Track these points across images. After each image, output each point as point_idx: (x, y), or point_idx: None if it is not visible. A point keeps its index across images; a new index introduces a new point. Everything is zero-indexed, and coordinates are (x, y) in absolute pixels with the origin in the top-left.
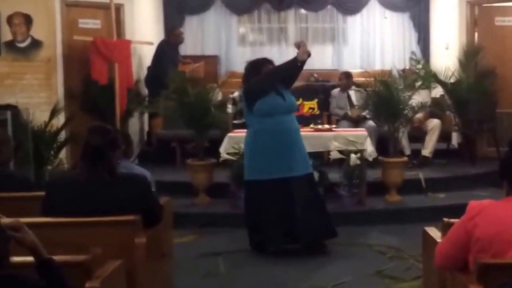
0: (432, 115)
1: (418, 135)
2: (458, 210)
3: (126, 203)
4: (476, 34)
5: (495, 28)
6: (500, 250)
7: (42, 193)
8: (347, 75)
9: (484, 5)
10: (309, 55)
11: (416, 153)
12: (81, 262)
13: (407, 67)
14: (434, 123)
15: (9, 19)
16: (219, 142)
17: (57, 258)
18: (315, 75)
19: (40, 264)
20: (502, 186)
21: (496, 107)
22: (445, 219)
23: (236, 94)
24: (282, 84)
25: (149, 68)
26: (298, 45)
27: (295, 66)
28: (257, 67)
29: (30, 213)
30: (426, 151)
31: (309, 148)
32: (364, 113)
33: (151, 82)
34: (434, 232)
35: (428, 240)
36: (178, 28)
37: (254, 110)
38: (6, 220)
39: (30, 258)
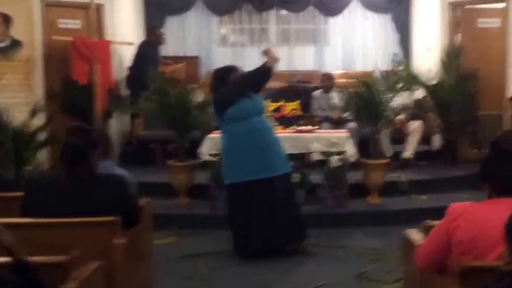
0: (413, 117)
1: (399, 137)
2: (439, 212)
3: (105, 204)
4: (458, 36)
5: (477, 29)
6: (481, 253)
7: (21, 194)
8: (329, 77)
9: (467, 6)
10: (277, 61)
11: (397, 155)
12: (59, 263)
13: (389, 69)
14: (415, 125)
15: None
16: (200, 143)
17: (35, 258)
18: (299, 76)
19: (17, 265)
20: (484, 189)
21: (478, 109)
22: (426, 221)
23: None
24: (250, 89)
25: (129, 69)
26: (266, 52)
27: (264, 72)
28: (224, 75)
29: (9, 214)
30: (408, 153)
31: (290, 150)
32: (345, 115)
33: (132, 82)
34: (415, 235)
35: (409, 243)
36: (159, 29)
37: (225, 117)
38: None
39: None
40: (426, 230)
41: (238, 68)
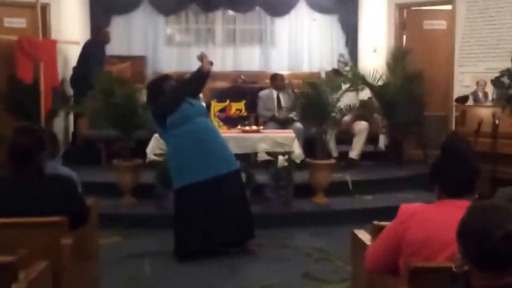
0: (359, 117)
1: (345, 137)
2: (384, 212)
3: (54, 204)
4: (404, 37)
5: (423, 31)
6: (431, 254)
7: None
8: (280, 77)
9: (413, 8)
10: (211, 64)
11: (343, 155)
12: (7, 263)
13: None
14: (361, 126)
15: None
16: (145, 143)
17: None
18: (242, 76)
19: None
20: (430, 189)
21: (424, 110)
22: (375, 222)
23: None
24: (188, 95)
25: (74, 68)
26: (200, 58)
27: (200, 77)
28: (159, 85)
29: None
30: (354, 153)
31: (236, 150)
32: (291, 115)
33: (77, 81)
34: (363, 235)
35: (357, 243)
36: (105, 28)
37: (167, 124)
38: None
39: None
40: (374, 230)
41: (170, 76)
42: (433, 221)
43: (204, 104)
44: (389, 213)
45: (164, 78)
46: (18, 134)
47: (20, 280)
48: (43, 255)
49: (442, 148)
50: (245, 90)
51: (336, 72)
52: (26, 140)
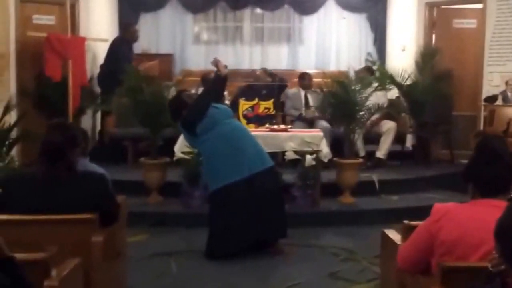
0: (387, 117)
1: (372, 137)
2: (411, 212)
3: (85, 201)
4: (433, 36)
5: (453, 30)
6: (464, 254)
7: None
8: (307, 76)
9: (443, 7)
10: (226, 67)
11: (370, 155)
12: (39, 260)
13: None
14: (389, 125)
15: None
16: (173, 141)
17: (15, 255)
18: (258, 72)
19: (1, 262)
20: (457, 189)
21: (452, 109)
22: (405, 221)
23: (193, 91)
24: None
25: (102, 66)
26: (215, 63)
27: (219, 82)
28: (179, 99)
29: None
30: (381, 153)
31: (264, 148)
32: (319, 114)
33: (104, 79)
34: (393, 235)
35: (388, 243)
36: (134, 26)
37: (197, 132)
38: None
39: None
40: (404, 230)
41: (185, 89)
42: (466, 221)
43: (227, 103)
44: (416, 213)
45: (180, 92)
46: (51, 130)
47: (52, 277)
48: (73, 252)
49: (477, 147)
50: (273, 89)
51: (368, 70)
52: (59, 137)
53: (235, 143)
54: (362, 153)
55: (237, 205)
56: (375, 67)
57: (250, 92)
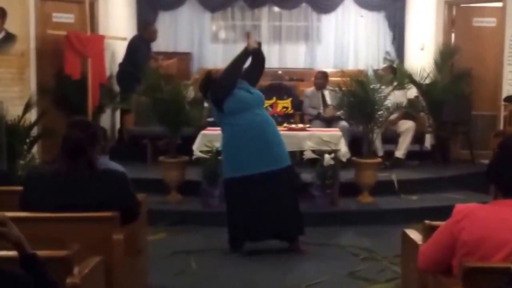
0: (405, 116)
1: (391, 136)
2: (430, 212)
3: (105, 198)
4: (453, 35)
5: (472, 29)
6: (486, 254)
7: (19, 187)
8: (324, 75)
9: (462, 5)
10: (259, 44)
11: (389, 154)
12: (62, 257)
13: (384, 65)
14: (408, 125)
15: None
16: (192, 139)
17: (38, 253)
18: (280, 72)
19: (24, 259)
20: (480, 189)
21: (471, 109)
22: (426, 221)
23: None
24: (247, 81)
25: (120, 65)
26: (247, 35)
27: (246, 55)
28: (208, 77)
29: (6, 207)
30: (399, 153)
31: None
32: (338, 113)
33: (123, 78)
34: (414, 235)
35: (409, 243)
36: (153, 25)
37: (224, 109)
38: None
39: (14, 253)
40: (425, 230)
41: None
42: (488, 221)
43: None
44: (436, 213)
45: (210, 71)
46: (71, 127)
47: (74, 274)
48: (95, 250)
49: (499, 147)
50: (291, 88)
51: (391, 68)
52: (80, 134)
53: (264, 136)
54: (380, 152)
55: (252, 198)
56: (393, 66)
57: (269, 91)
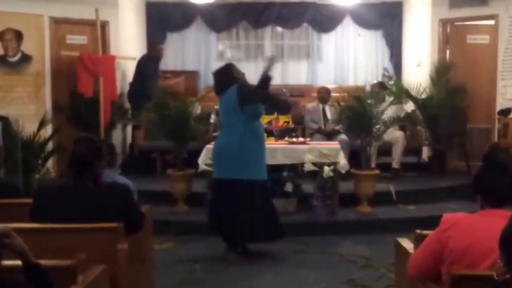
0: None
1: (384, 149)
2: (427, 222)
3: (110, 210)
4: (447, 52)
5: (466, 46)
6: (473, 262)
7: (30, 200)
8: (327, 90)
9: (456, 23)
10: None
11: (386, 166)
12: (66, 266)
13: (378, 80)
14: (396, 135)
15: (1, 35)
16: (197, 153)
17: (43, 262)
18: (284, 90)
19: (28, 268)
20: (471, 199)
21: (466, 122)
22: (417, 231)
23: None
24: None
25: (131, 84)
26: (271, 62)
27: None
28: (229, 73)
29: (18, 219)
30: (395, 163)
31: (284, 160)
32: (338, 127)
33: (133, 95)
34: (406, 243)
35: (401, 251)
36: (159, 44)
37: (242, 109)
38: None
39: (18, 262)
40: (417, 239)
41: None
42: (475, 230)
43: None
44: (432, 222)
45: (231, 65)
46: (77, 143)
47: (78, 282)
48: (100, 259)
49: (484, 159)
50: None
51: (381, 85)
52: (85, 150)
53: (262, 145)
54: (373, 164)
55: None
56: (391, 82)
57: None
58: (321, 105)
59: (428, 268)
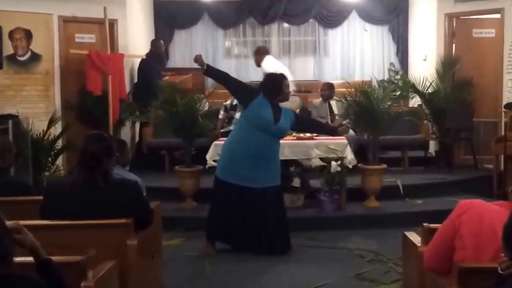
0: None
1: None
2: (434, 216)
3: (119, 206)
4: (453, 46)
5: (472, 39)
6: (478, 249)
7: (40, 197)
8: (330, 86)
9: (462, 17)
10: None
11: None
12: (77, 262)
13: (386, 78)
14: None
15: (11, 34)
16: (206, 149)
17: (54, 258)
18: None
19: (39, 264)
20: (480, 192)
21: (473, 116)
22: (425, 224)
23: (228, 102)
24: (296, 123)
25: (135, 84)
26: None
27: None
28: (279, 84)
29: (29, 216)
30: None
31: (291, 156)
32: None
33: (138, 93)
34: (414, 237)
35: (408, 245)
36: (159, 40)
37: (245, 114)
38: (7, 223)
39: (29, 258)
40: (424, 232)
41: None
42: (486, 217)
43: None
44: (440, 216)
45: (283, 78)
46: (88, 140)
47: (88, 278)
48: (110, 255)
49: None
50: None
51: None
52: (96, 147)
53: (256, 154)
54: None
55: (229, 204)
56: (397, 77)
57: None
58: (326, 101)
59: (443, 257)
